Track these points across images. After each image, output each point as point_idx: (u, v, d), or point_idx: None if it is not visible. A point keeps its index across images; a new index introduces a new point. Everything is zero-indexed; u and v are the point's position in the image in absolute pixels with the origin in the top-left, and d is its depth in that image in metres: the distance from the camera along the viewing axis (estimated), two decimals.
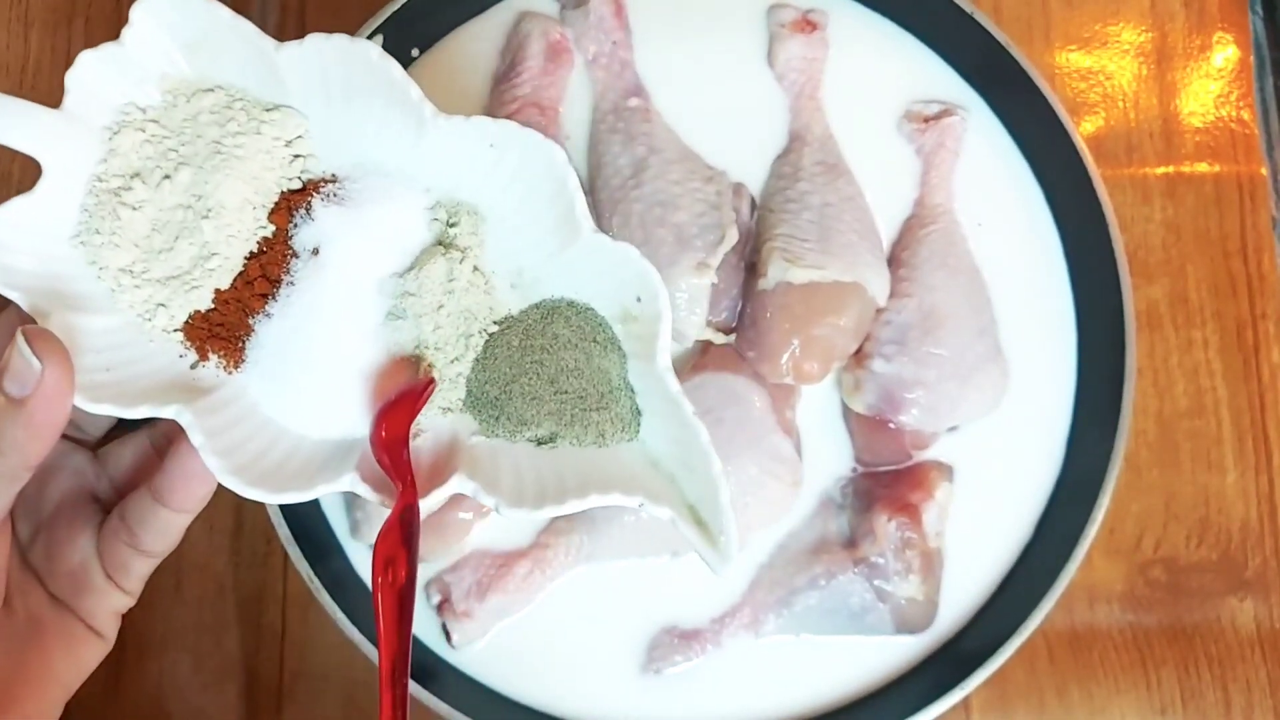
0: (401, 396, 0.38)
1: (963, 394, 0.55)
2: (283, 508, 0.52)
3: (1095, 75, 0.66)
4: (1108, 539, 0.59)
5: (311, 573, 0.51)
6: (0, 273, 0.37)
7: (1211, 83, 0.66)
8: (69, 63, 0.61)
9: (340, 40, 0.39)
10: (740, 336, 0.56)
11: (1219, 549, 0.60)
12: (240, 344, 0.40)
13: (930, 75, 0.62)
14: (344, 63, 0.39)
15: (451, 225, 0.41)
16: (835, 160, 0.59)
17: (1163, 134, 0.65)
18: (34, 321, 0.36)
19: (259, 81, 0.40)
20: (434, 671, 0.53)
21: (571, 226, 0.40)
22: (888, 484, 0.56)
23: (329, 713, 0.57)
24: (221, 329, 0.40)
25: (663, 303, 0.40)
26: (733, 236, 0.56)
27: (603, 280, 0.41)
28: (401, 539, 0.35)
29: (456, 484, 0.38)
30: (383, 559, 0.35)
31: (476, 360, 0.41)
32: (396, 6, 0.56)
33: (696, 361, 0.56)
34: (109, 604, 0.41)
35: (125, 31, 0.39)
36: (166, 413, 0.36)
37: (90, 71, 0.39)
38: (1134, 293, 0.56)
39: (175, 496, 0.38)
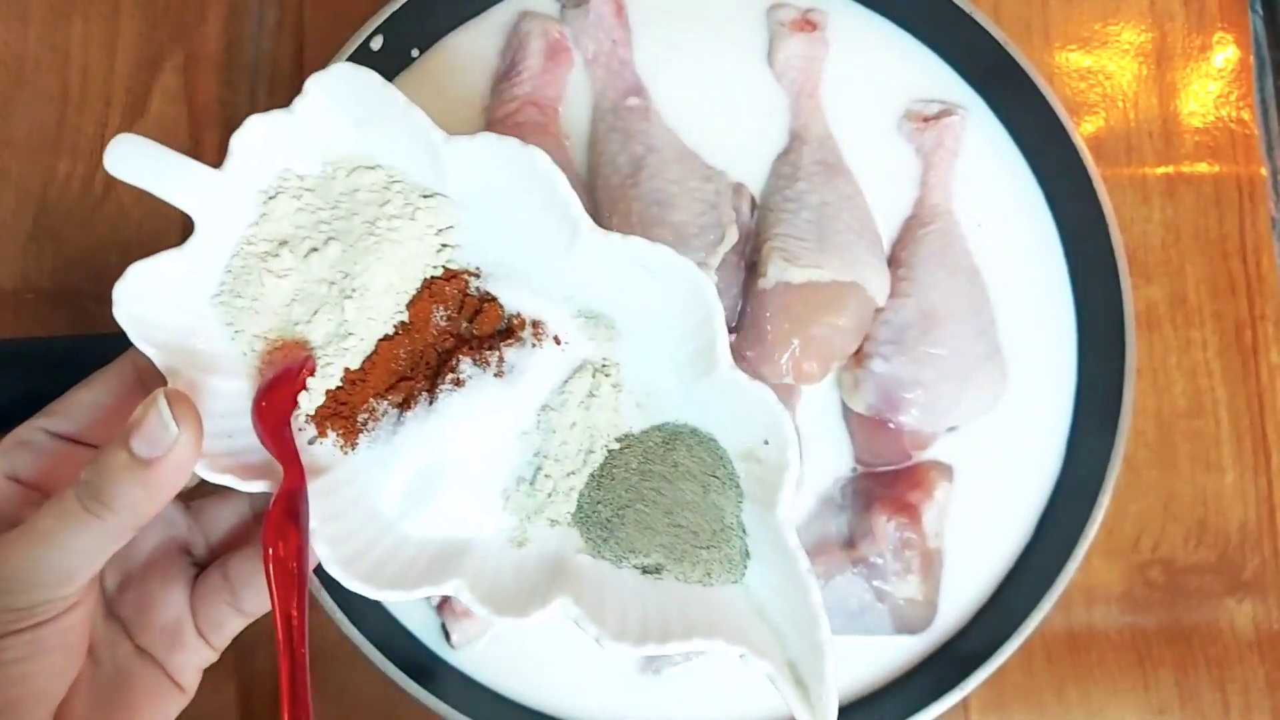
0: (281, 375, 0.38)
1: (962, 394, 0.55)
2: None
3: (1095, 75, 0.66)
4: (1106, 540, 0.59)
5: (311, 572, 0.51)
6: (139, 325, 0.36)
7: (1211, 83, 0.66)
8: (67, 60, 0.61)
9: (512, 144, 0.38)
10: (740, 336, 0.56)
11: (1217, 550, 0.60)
12: (358, 426, 0.40)
13: (930, 75, 0.61)
14: (510, 164, 0.39)
15: (591, 340, 0.41)
16: (835, 160, 0.59)
17: (1162, 134, 0.65)
18: (161, 379, 0.36)
19: (420, 167, 0.40)
20: (434, 671, 0.53)
21: (710, 359, 0.39)
22: (887, 484, 0.56)
23: (328, 712, 0.56)
24: (345, 408, 0.40)
25: (792, 454, 0.39)
26: (732, 236, 0.56)
27: (732, 416, 0.40)
28: (288, 519, 0.35)
29: (561, 607, 0.37)
30: (273, 537, 0.35)
31: (593, 477, 0.41)
32: (396, 6, 0.56)
33: None
34: (197, 660, 0.40)
35: (297, 101, 0.38)
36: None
37: (257, 135, 0.38)
38: (1133, 293, 0.56)
39: None
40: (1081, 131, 0.61)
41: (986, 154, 0.61)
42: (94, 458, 0.34)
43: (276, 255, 0.39)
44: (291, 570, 0.35)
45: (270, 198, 0.39)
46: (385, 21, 0.56)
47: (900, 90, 0.61)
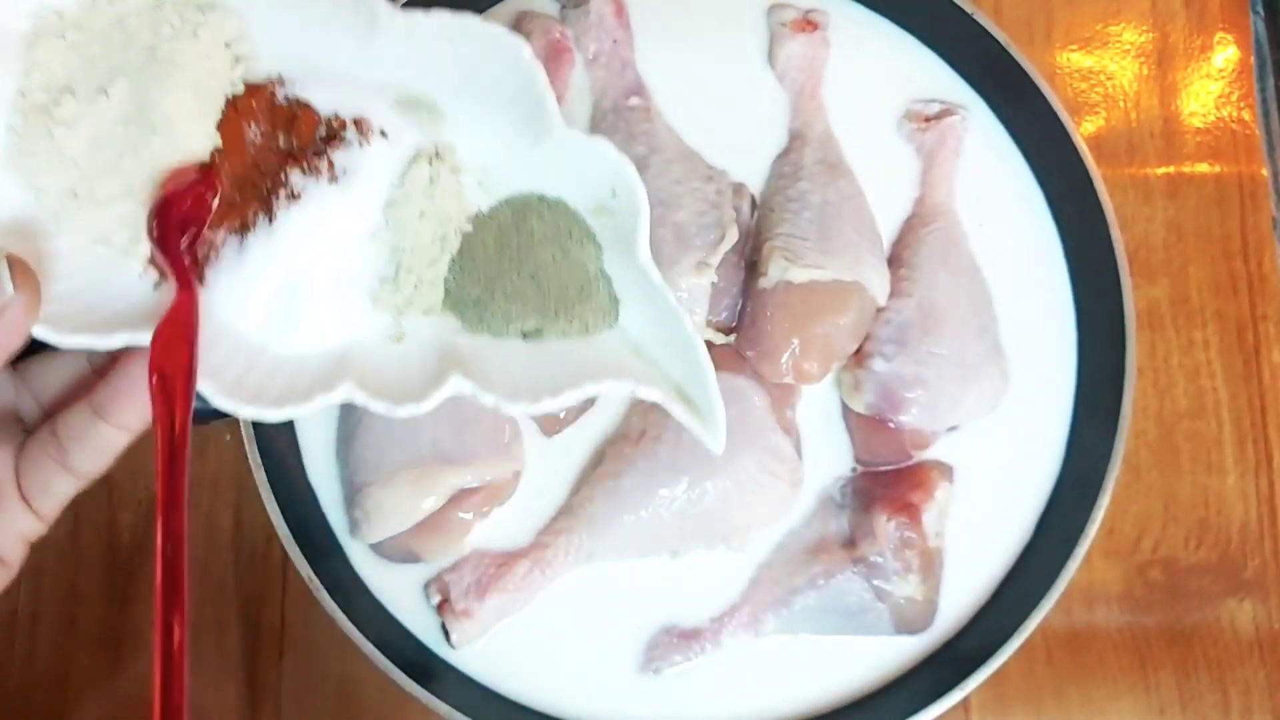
0: (170, 194, 0.37)
1: (963, 393, 0.55)
2: (281, 506, 0.52)
3: (1096, 75, 0.66)
4: (1107, 540, 0.59)
5: (311, 572, 0.51)
6: None
7: (1212, 83, 0.66)
8: None
9: None
10: (740, 336, 0.56)
11: (1218, 550, 0.60)
12: (199, 260, 0.38)
13: (930, 75, 0.62)
14: None
15: (418, 127, 0.40)
16: (836, 159, 0.59)
17: (1163, 134, 0.65)
18: None
19: None
20: (434, 671, 0.53)
21: (541, 123, 0.39)
22: (887, 484, 0.56)
23: (329, 712, 0.57)
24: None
25: (640, 197, 0.39)
26: (733, 236, 0.56)
27: (574, 175, 0.41)
28: (180, 336, 0.34)
29: (454, 384, 0.38)
30: (160, 353, 0.34)
31: (453, 260, 0.41)
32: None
33: None
34: (19, 528, 0.37)
35: None
36: (143, 340, 0.34)
37: None
38: (1134, 293, 0.56)
39: (120, 412, 0.35)
40: (1082, 131, 0.61)
41: (987, 154, 0.61)
42: None
43: (59, 104, 0.36)
44: (174, 389, 0.34)
45: (32, 44, 0.37)
46: None
47: (901, 90, 0.61)
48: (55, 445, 0.36)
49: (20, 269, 0.32)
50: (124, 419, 0.35)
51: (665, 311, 0.41)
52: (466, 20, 0.38)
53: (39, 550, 0.57)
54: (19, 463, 0.37)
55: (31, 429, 0.38)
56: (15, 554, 0.37)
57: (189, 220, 0.37)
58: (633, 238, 0.40)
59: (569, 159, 0.40)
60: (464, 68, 0.39)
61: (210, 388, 0.35)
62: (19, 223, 0.36)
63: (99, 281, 0.37)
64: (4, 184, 0.36)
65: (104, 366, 0.37)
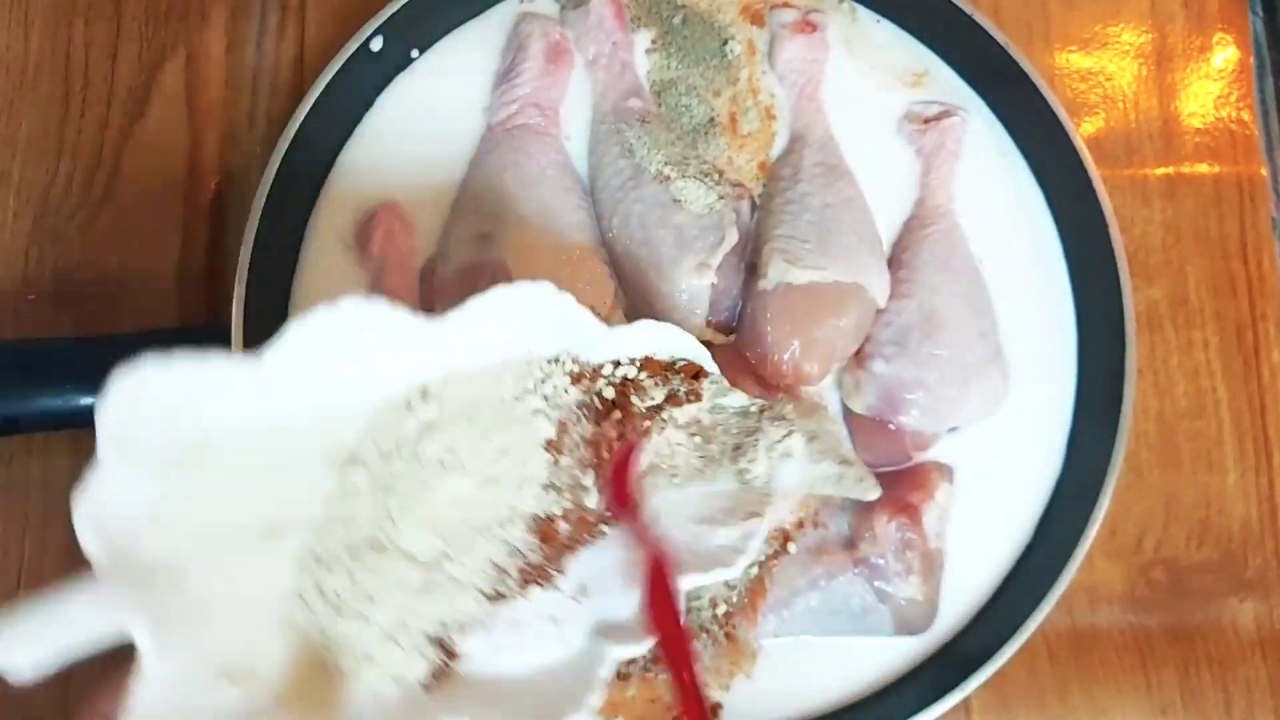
0: (615, 468, 0.41)
1: (963, 395, 0.55)
2: None
3: (1095, 76, 0.66)
4: (1108, 540, 0.59)
5: None
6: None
7: (1211, 84, 0.66)
8: (69, 62, 0.61)
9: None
10: (740, 337, 0.56)
11: (1219, 550, 0.59)
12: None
13: (930, 76, 0.62)
14: None
15: None
16: (836, 161, 0.59)
17: (1162, 135, 0.65)
18: None
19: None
20: None
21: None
22: (888, 485, 0.55)
23: None
24: None
25: None
26: (733, 237, 0.56)
27: None
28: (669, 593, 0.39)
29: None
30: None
31: None
32: (396, 7, 0.56)
33: None
34: None
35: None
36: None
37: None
38: (1134, 293, 0.56)
39: None
40: (1082, 132, 0.61)
41: (987, 155, 0.61)
42: None
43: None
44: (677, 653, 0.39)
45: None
46: (385, 22, 0.56)
47: (901, 92, 0.61)
48: None
49: None
50: None
51: None
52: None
53: (39, 550, 0.57)
54: None
55: None
56: None
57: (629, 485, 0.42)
58: None
59: None
60: None
61: None
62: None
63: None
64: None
65: None
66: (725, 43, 0.61)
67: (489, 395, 0.39)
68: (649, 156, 0.57)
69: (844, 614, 0.54)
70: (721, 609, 0.54)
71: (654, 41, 0.61)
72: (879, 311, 0.57)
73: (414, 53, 0.60)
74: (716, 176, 0.58)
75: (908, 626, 0.54)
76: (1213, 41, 0.66)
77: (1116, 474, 0.53)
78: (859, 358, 0.56)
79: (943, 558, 0.55)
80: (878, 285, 0.56)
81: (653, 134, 0.58)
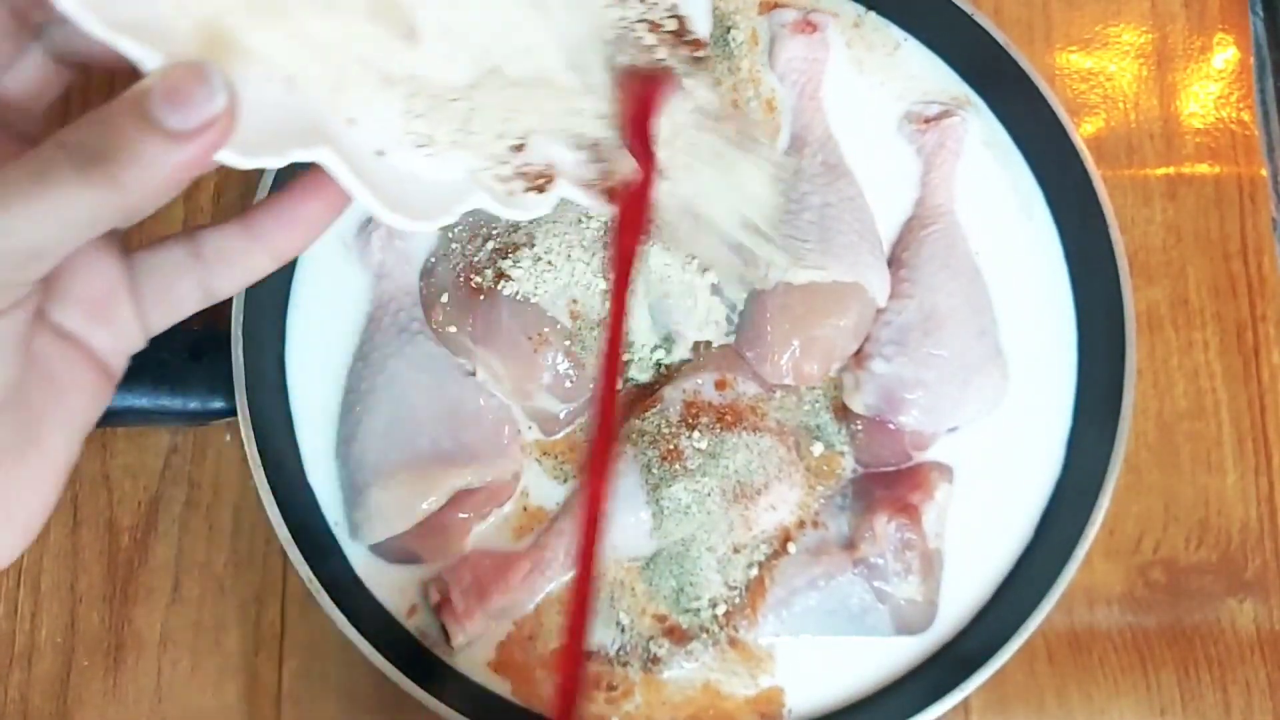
0: (644, 89, 0.36)
1: (963, 395, 0.55)
2: (281, 507, 0.51)
3: (1095, 76, 0.66)
4: (1107, 540, 0.59)
5: (311, 573, 0.51)
6: None
7: (1212, 84, 0.66)
8: None
9: None
10: (740, 336, 0.56)
11: (1219, 550, 0.59)
12: None
13: (930, 75, 0.62)
14: None
15: None
16: (836, 161, 0.59)
17: (1163, 135, 0.65)
18: None
19: None
20: (434, 671, 0.53)
21: None
22: (888, 484, 0.56)
23: (329, 712, 0.56)
24: None
25: None
26: None
27: None
28: (641, 214, 0.35)
29: None
30: (630, 234, 0.35)
31: None
32: None
33: (696, 362, 0.56)
34: (125, 344, 0.33)
35: None
36: (313, 155, 0.30)
37: None
38: (1134, 294, 0.56)
39: (276, 238, 0.33)
40: (1082, 133, 0.61)
41: (987, 155, 0.61)
42: (91, 115, 0.27)
43: None
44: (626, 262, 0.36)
45: None
46: None
47: (901, 91, 0.61)
48: (200, 265, 0.33)
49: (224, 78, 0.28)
50: (278, 246, 0.33)
51: None
52: None
53: (39, 550, 0.57)
54: (137, 274, 0.33)
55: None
56: (120, 366, 0.34)
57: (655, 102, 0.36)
58: None
59: None
60: None
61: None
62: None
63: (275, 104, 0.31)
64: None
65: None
66: (728, 31, 0.61)
67: None
68: None
69: (843, 614, 0.54)
70: (721, 609, 0.54)
71: None
72: (879, 311, 0.57)
73: None
74: None
75: (907, 626, 0.54)
76: (1213, 42, 0.66)
77: (1116, 474, 0.53)
78: (859, 357, 0.56)
79: (942, 558, 0.55)
80: (878, 285, 0.56)
81: None
